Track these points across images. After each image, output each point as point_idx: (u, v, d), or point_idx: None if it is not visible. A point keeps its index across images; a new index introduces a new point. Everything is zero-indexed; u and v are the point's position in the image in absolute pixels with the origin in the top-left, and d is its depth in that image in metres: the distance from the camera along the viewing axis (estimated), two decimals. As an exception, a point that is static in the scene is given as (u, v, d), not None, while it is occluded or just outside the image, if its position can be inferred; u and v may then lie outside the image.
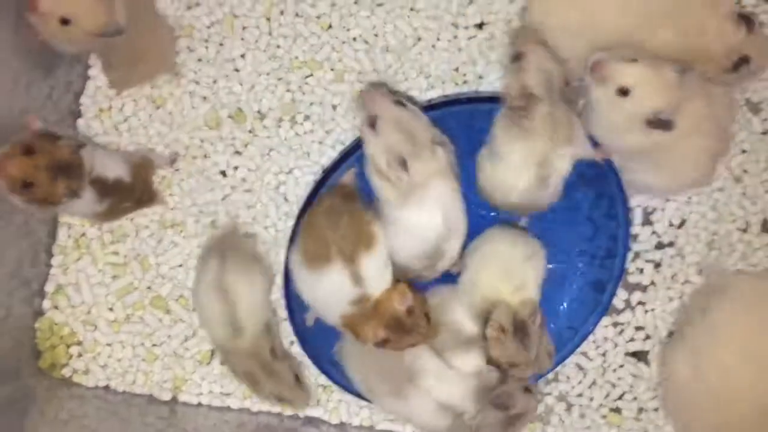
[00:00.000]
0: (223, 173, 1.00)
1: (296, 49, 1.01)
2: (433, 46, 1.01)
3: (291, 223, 0.98)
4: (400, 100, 0.86)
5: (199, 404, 0.99)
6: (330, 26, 1.01)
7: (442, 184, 0.85)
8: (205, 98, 1.00)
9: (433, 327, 0.86)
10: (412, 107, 0.86)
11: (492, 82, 1.00)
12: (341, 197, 0.86)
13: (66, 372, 0.99)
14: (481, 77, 1.01)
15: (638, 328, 1.00)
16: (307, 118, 1.00)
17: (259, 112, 1.00)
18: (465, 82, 1.01)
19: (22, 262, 0.95)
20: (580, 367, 1.01)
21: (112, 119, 1.00)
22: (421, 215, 0.85)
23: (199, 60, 1.00)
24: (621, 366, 1.01)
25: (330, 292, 0.84)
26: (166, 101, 1.00)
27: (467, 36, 1.01)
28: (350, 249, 0.82)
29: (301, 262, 0.85)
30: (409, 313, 0.83)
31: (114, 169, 0.90)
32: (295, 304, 0.92)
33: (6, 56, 0.87)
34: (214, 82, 1.00)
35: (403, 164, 0.82)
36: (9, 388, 0.93)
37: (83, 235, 1.00)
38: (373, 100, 0.85)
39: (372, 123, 0.84)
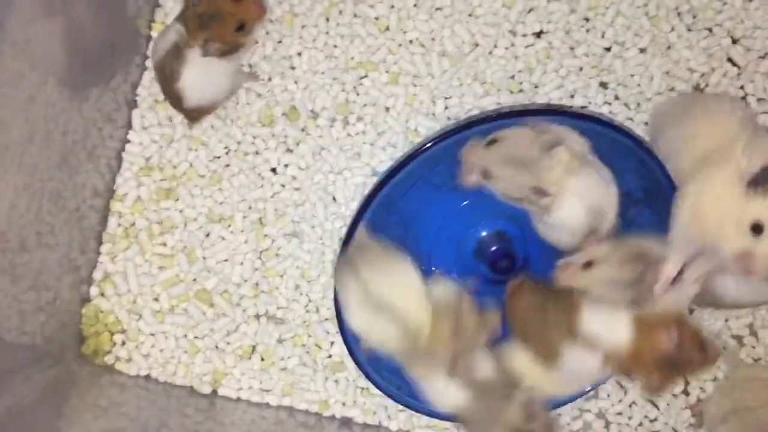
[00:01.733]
0: (274, 170, 1.00)
1: (353, 49, 1.00)
2: (490, 52, 1.00)
3: (338, 223, 0.99)
4: (489, 139, 0.83)
5: (238, 399, 0.99)
6: (387, 28, 1.01)
7: (576, 180, 0.82)
8: (259, 95, 1.00)
9: (712, 351, 0.77)
10: (501, 135, 0.82)
11: (548, 92, 1.00)
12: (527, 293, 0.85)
13: (108, 359, 0.99)
14: (536, 86, 1.00)
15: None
16: (359, 119, 1.00)
17: (312, 111, 1.00)
18: (521, 90, 1.00)
19: (72, 247, 0.95)
20: (620, 385, 1.00)
21: (167, 111, 1.00)
22: (566, 213, 0.83)
23: (256, 56, 1.01)
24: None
25: (579, 369, 0.82)
26: (220, 95, 1.01)
27: (525, 44, 1.00)
28: (567, 327, 0.79)
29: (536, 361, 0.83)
30: (679, 348, 0.75)
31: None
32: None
33: (64, 42, 0.87)
34: (270, 79, 1.00)
35: (539, 191, 0.81)
36: (51, 372, 0.94)
37: (133, 224, 1.00)
38: (472, 154, 0.83)
39: (486, 175, 0.83)
